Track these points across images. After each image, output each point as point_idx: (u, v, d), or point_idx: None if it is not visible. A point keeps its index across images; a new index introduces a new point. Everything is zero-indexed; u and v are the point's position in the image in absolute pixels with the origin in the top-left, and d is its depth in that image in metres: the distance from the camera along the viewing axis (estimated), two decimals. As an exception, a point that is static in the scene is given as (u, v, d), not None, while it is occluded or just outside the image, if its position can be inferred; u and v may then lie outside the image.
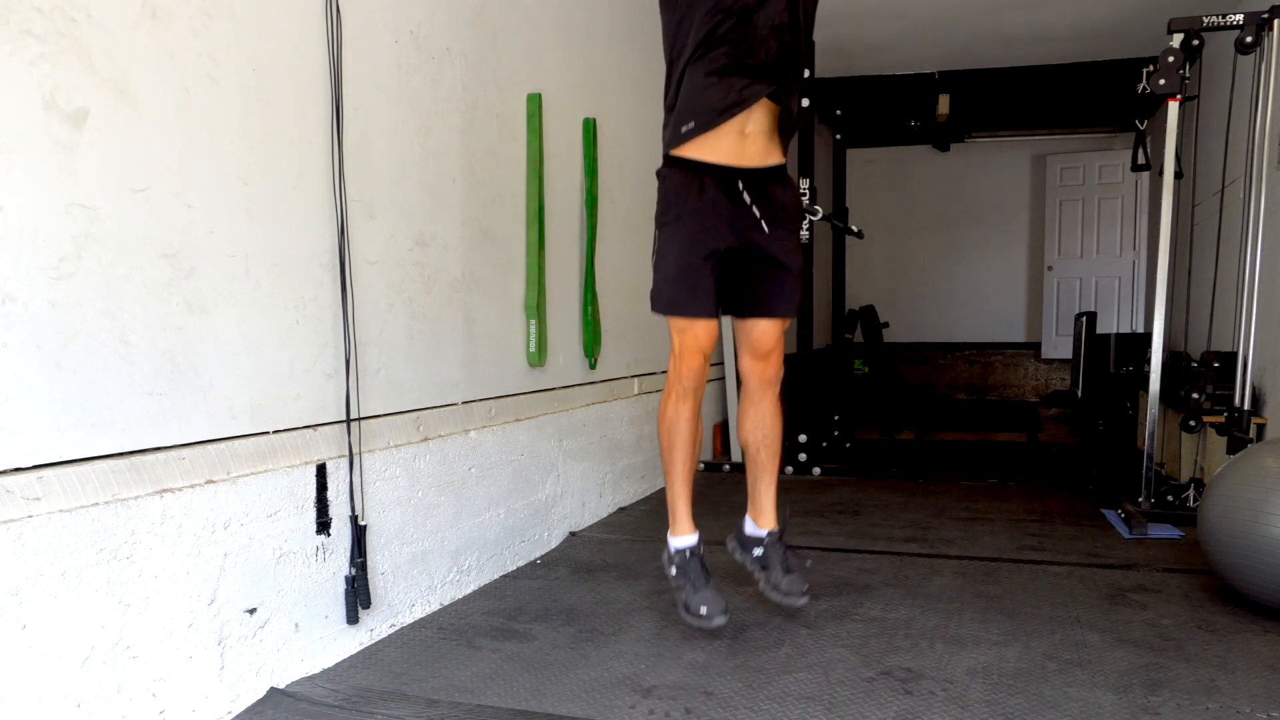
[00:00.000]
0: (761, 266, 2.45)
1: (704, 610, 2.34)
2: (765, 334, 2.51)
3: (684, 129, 2.34)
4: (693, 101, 2.34)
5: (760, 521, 2.60)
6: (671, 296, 2.38)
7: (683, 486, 2.50)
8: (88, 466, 1.73)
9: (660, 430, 2.52)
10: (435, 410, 2.80)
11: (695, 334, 2.39)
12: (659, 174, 2.47)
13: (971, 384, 9.16)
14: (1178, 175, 3.93)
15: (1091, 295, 8.49)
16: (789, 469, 5.11)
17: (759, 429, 2.60)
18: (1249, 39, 3.63)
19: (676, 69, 2.37)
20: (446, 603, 2.81)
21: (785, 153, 2.48)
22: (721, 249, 2.38)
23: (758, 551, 2.54)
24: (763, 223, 2.40)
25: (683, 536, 2.48)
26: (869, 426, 7.17)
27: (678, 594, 2.43)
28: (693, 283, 2.35)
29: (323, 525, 2.29)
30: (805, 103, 5.23)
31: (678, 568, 2.45)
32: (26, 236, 1.63)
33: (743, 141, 2.35)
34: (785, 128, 2.41)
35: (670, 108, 2.40)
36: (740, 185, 2.38)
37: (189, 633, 1.92)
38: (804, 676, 2.22)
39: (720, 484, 4.82)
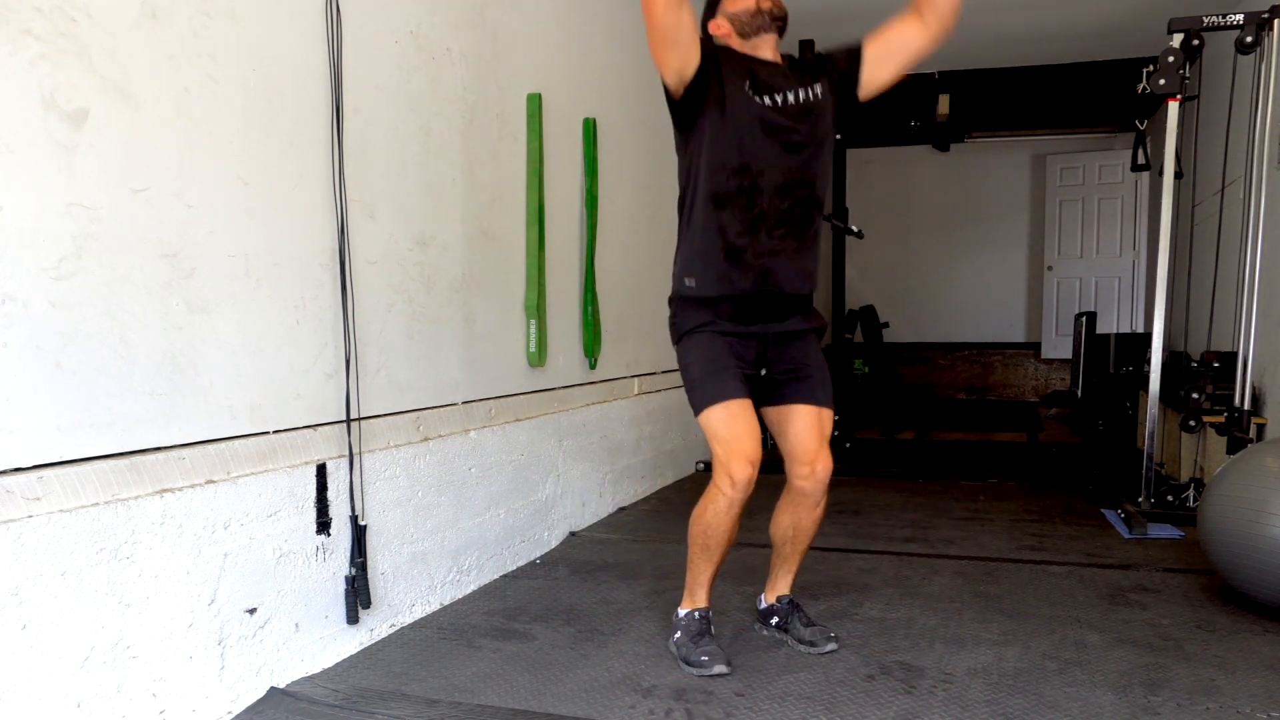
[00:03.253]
0: (786, 376, 2.34)
1: (704, 658, 2.25)
2: (808, 428, 2.31)
3: (688, 282, 2.27)
4: (696, 264, 2.26)
5: (770, 597, 2.53)
6: (705, 389, 2.23)
7: (709, 577, 2.35)
8: (88, 466, 1.73)
9: (696, 529, 2.30)
10: (435, 410, 2.80)
11: (742, 444, 2.20)
12: (670, 302, 2.36)
13: (971, 384, 9.15)
14: (1178, 175, 3.93)
15: (1091, 295, 8.48)
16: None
17: (793, 528, 2.42)
18: (1249, 39, 3.63)
19: (684, 212, 2.30)
20: (446, 603, 2.81)
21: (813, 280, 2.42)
22: (748, 358, 2.29)
23: (775, 620, 2.50)
24: (789, 356, 2.33)
25: (697, 608, 2.37)
26: (869, 426, 7.17)
27: (679, 650, 2.32)
28: (721, 371, 2.23)
29: (323, 525, 2.29)
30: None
31: (683, 630, 2.34)
32: (26, 236, 1.63)
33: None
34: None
35: (678, 247, 2.32)
36: (764, 314, 2.30)
37: (189, 633, 1.92)
38: (804, 676, 2.22)
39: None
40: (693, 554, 2.32)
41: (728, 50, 2.27)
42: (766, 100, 2.19)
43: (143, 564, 1.82)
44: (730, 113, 2.18)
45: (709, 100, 2.19)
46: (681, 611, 2.38)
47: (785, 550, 2.46)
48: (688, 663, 2.27)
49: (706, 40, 2.27)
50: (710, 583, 2.37)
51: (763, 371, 2.32)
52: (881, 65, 2.30)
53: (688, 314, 2.29)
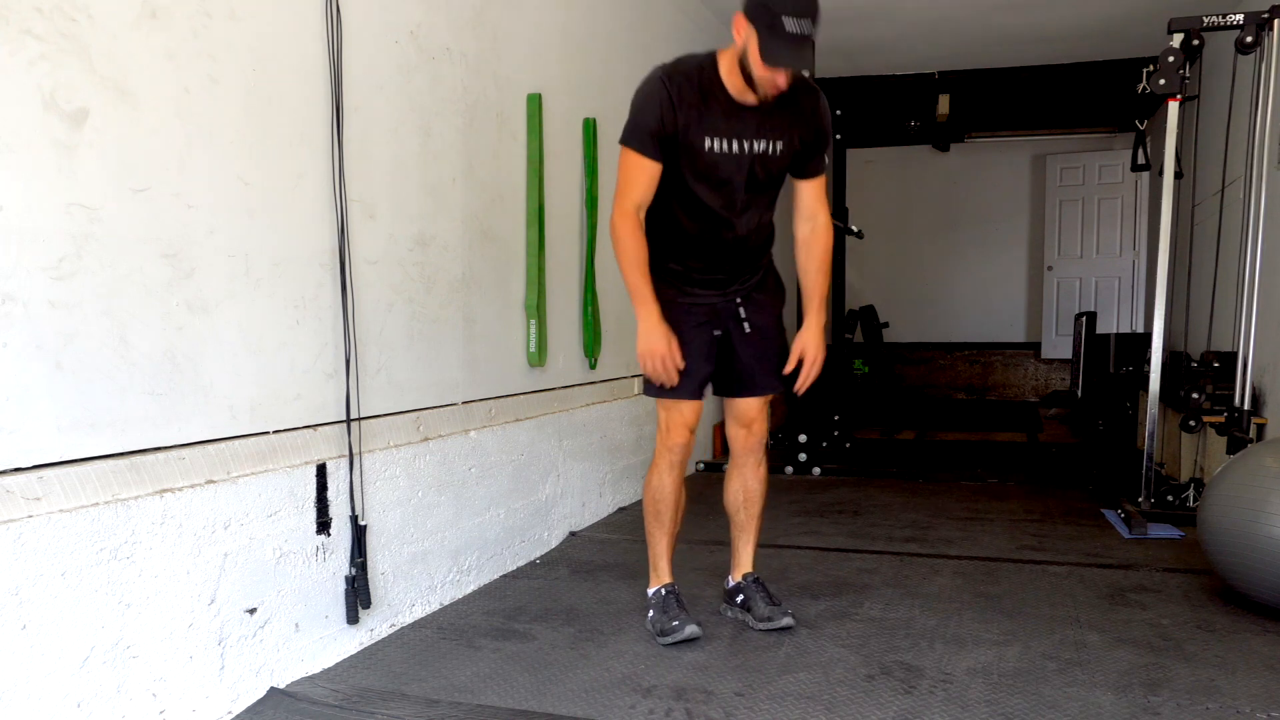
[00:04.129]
0: (744, 344, 2.49)
1: (675, 623, 2.42)
2: (749, 406, 2.56)
3: (667, 289, 2.43)
4: (663, 252, 2.42)
5: (737, 575, 2.66)
6: (643, 137, 2.33)
7: (666, 548, 2.58)
8: (88, 466, 1.73)
9: (646, 498, 2.58)
10: (435, 410, 2.80)
11: (681, 412, 2.46)
12: None
13: (971, 384, 9.15)
14: (1178, 175, 3.93)
15: (1091, 295, 8.48)
16: (789, 469, 5.11)
17: (741, 491, 2.62)
18: (1249, 39, 3.63)
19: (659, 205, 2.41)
20: (446, 603, 2.81)
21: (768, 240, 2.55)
22: (705, 340, 2.46)
23: (740, 598, 2.61)
24: (743, 308, 2.48)
25: (663, 585, 2.57)
26: (869, 426, 7.17)
27: (653, 625, 2.49)
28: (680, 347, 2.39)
29: (323, 525, 2.29)
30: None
31: (654, 607, 2.53)
32: (26, 236, 1.63)
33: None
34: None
35: (651, 224, 2.42)
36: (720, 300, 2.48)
37: (189, 633, 1.92)
38: (804, 676, 2.22)
39: (718, 484, 4.81)
40: (648, 525, 2.56)
41: (702, 92, 2.27)
42: (728, 147, 2.30)
43: (143, 564, 1.82)
44: (692, 168, 2.32)
45: (677, 157, 2.32)
46: (650, 590, 2.58)
47: (740, 518, 2.63)
48: (661, 634, 2.43)
49: (671, 93, 2.26)
50: (669, 555, 2.59)
51: (722, 330, 2.49)
52: (795, 197, 2.51)
53: (658, 274, 2.44)
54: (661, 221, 2.40)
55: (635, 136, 2.27)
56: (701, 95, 2.24)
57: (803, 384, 2.45)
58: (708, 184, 2.31)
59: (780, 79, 2.18)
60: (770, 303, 2.54)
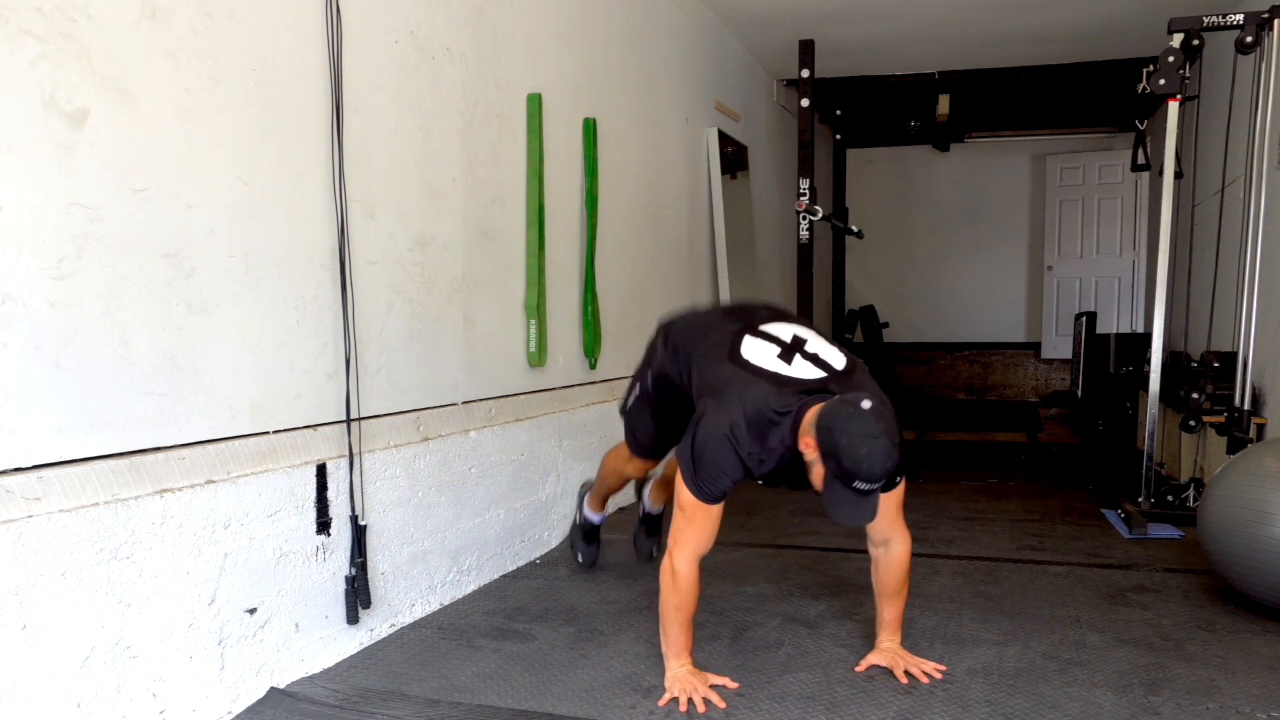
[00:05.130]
0: None
1: (580, 558, 3.09)
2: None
3: None
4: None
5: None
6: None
7: (608, 491, 3.03)
8: (88, 466, 1.73)
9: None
10: (435, 410, 2.80)
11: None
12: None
13: (971, 384, 9.15)
14: (1178, 175, 3.93)
15: (1091, 295, 8.48)
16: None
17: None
18: (1249, 39, 3.63)
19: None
20: (446, 603, 2.81)
21: None
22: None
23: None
24: None
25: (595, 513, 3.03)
26: (869, 426, 7.15)
27: (571, 536, 3.16)
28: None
29: (323, 525, 2.29)
30: (805, 103, 5.24)
31: (578, 524, 3.14)
32: (26, 236, 1.63)
33: None
34: None
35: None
36: None
37: (189, 633, 1.92)
38: (804, 676, 2.22)
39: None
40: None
41: (770, 456, 2.08)
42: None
43: (143, 564, 1.82)
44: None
45: None
46: (587, 510, 3.09)
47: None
48: (573, 546, 3.14)
49: (742, 458, 2.07)
50: (605, 497, 3.04)
51: None
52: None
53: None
54: None
55: (708, 494, 2.07)
56: (768, 459, 2.09)
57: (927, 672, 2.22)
58: None
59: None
60: None
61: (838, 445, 1.88)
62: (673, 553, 2.11)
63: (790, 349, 2.15)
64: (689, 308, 2.63)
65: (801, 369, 2.11)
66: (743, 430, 2.02)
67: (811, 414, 1.99)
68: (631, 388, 2.67)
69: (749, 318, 2.29)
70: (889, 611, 2.28)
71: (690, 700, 2.05)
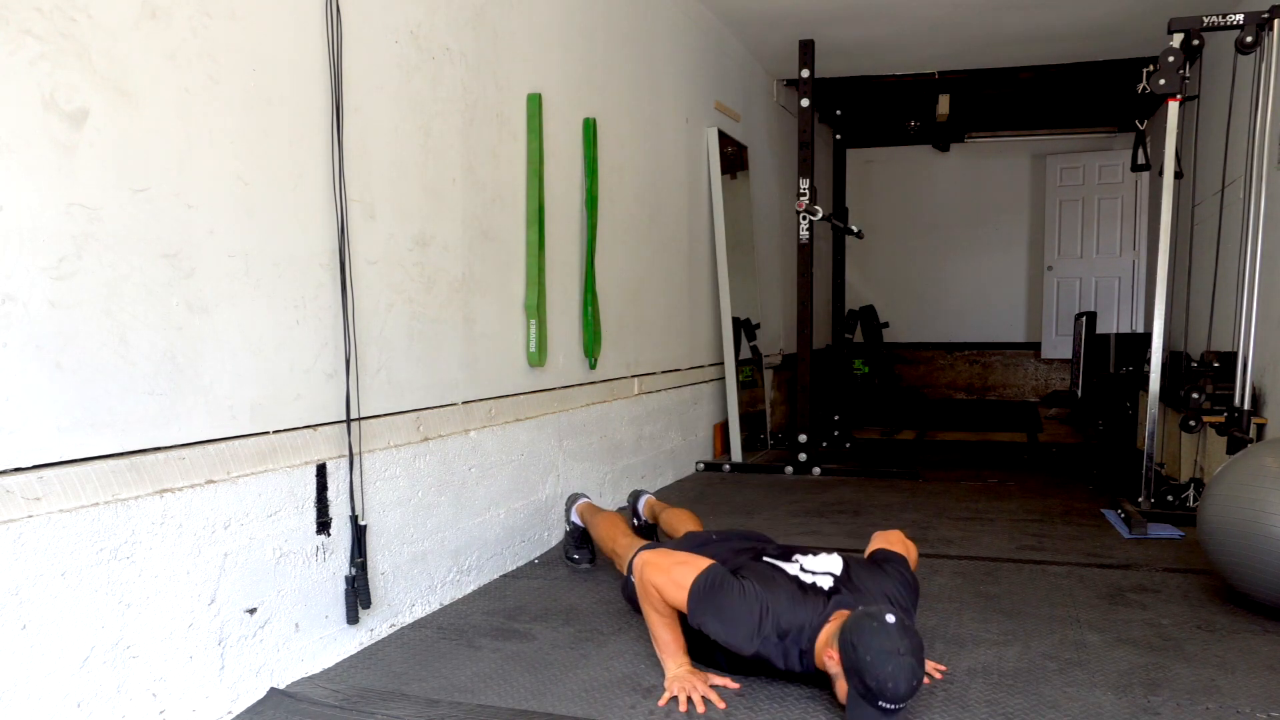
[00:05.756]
0: None
1: (575, 557, 3.12)
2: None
3: None
4: None
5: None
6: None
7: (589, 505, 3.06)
8: (88, 466, 1.73)
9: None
10: (435, 410, 2.80)
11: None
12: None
13: (971, 384, 9.16)
14: (1178, 175, 3.93)
15: (1091, 295, 8.49)
16: (789, 469, 5.11)
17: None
18: (1249, 39, 3.63)
19: None
20: (446, 603, 2.81)
21: None
22: None
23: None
24: None
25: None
26: (869, 426, 7.18)
27: (564, 542, 3.18)
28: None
29: (323, 525, 2.29)
30: (805, 103, 5.24)
31: (569, 531, 3.18)
32: (26, 236, 1.63)
33: None
34: None
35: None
36: None
37: (189, 633, 1.92)
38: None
39: (720, 484, 4.82)
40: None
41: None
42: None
43: (143, 564, 1.82)
44: None
45: None
46: (575, 517, 3.14)
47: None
48: (566, 552, 3.16)
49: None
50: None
51: None
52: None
53: None
54: None
55: (699, 593, 2.11)
56: (773, 651, 2.08)
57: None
58: None
59: None
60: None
61: (861, 663, 1.83)
62: (644, 574, 2.19)
63: (798, 568, 2.26)
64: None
65: (814, 576, 2.21)
66: (770, 621, 2.05)
67: (833, 626, 1.98)
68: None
69: (754, 546, 2.47)
70: None
71: (690, 700, 2.05)
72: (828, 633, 1.98)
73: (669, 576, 2.15)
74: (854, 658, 1.84)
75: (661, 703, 2.06)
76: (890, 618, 1.87)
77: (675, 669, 2.15)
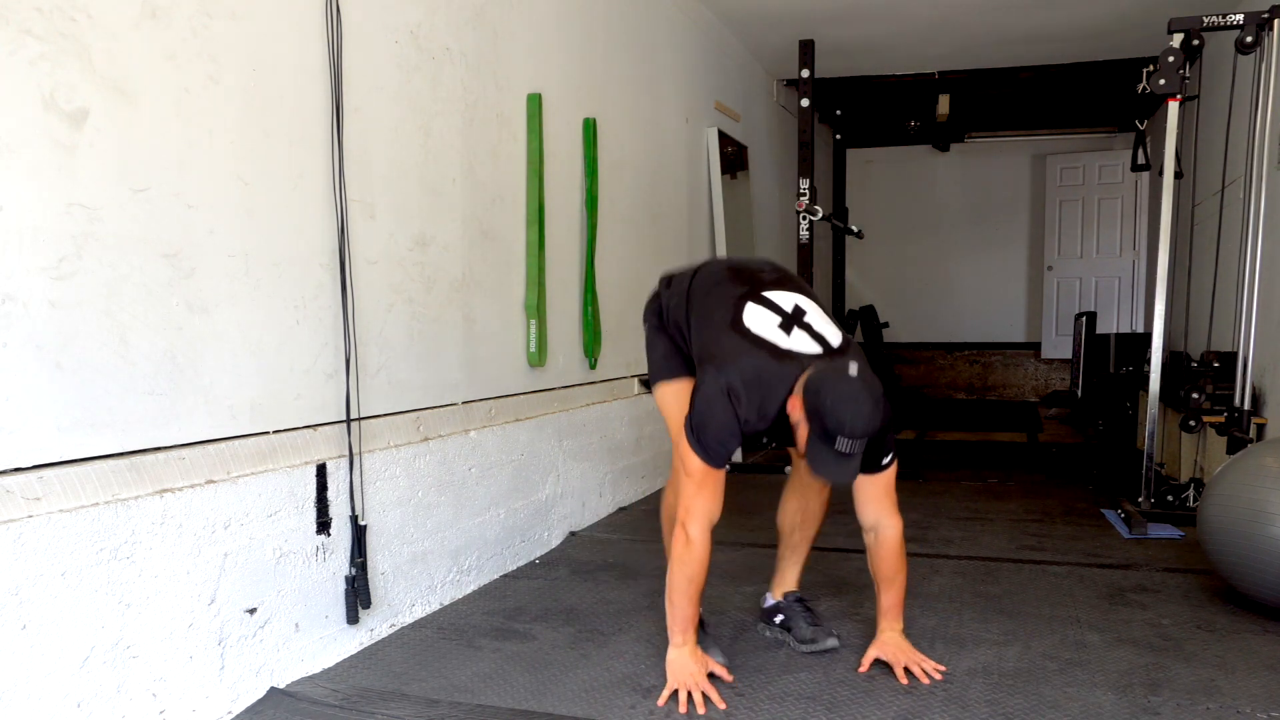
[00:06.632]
0: None
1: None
2: (872, 489, 2.31)
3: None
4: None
5: (778, 593, 2.52)
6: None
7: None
8: (88, 466, 1.73)
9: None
10: (435, 410, 2.80)
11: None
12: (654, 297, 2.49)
13: (971, 384, 9.15)
14: (1178, 175, 3.93)
15: (1091, 295, 8.49)
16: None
17: (800, 512, 2.45)
18: (1249, 39, 3.63)
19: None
20: (446, 603, 2.81)
21: None
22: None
23: (779, 618, 2.48)
24: None
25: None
26: (869, 426, 7.15)
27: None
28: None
29: (323, 525, 2.29)
30: (805, 103, 5.24)
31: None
32: (26, 236, 1.63)
33: None
34: None
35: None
36: None
37: (189, 633, 1.92)
38: (804, 676, 2.22)
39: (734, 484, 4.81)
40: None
41: (763, 417, 2.10)
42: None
43: (143, 564, 1.82)
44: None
45: None
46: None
47: (794, 539, 2.49)
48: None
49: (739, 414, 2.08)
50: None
51: None
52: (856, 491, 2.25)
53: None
54: None
55: (716, 458, 2.09)
56: (761, 424, 2.11)
57: (927, 672, 2.20)
58: None
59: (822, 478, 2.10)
60: None
61: (822, 405, 1.94)
62: (685, 523, 2.11)
63: (790, 320, 2.15)
64: (691, 263, 2.51)
65: (799, 342, 2.12)
66: (740, 393, 2.05)
67: (802, 378, 2.03)
68: (650, 344, 2.53)
69: (753, 281, 2.26)
70: (887, 598, 2.28)
71: (692, 700, 2.05)
72: (796, 387, 2.04)
73: (684, 490, 2.14)
74: (815, 402, 1.95)
75: (661, 702, 2.06)
76: (853, 369, 1.98)
77: (680, 647, 2.13)
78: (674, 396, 2.32)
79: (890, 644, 2.26)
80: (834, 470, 1.98)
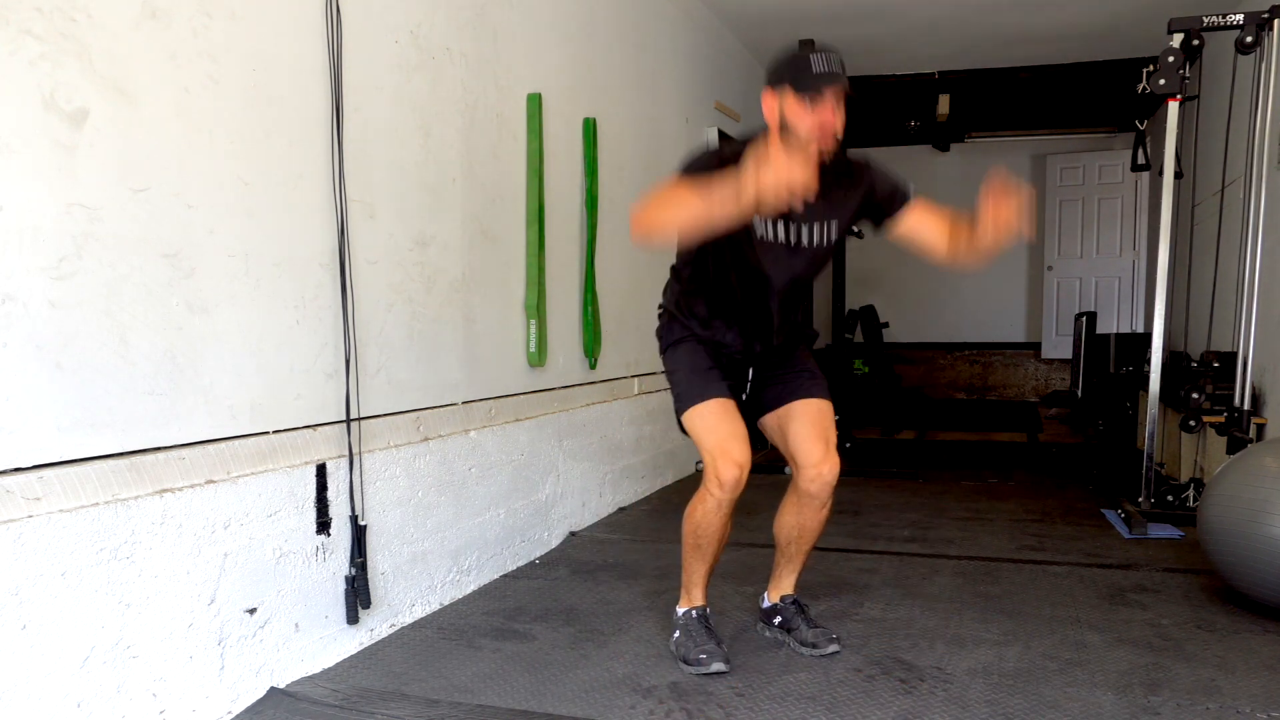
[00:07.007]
0: (777, 378, 2.40)
1: (702, 656, 2.24)
2: (810, 426, 2.32)
3: (697, 311, 2.33)
4: (695, 317, 2.32)
5: (774, 595, 2.53)
6: (690, 391, 2.26)
7: (704, 575, 2.36)
8: (88, 466, 1.73)
9: (687, 529, 2.31)
10: (435, 410, 2.80)
11: (727, 446, 2.20)
12: (663, 316, 2.43)
13: (971, 384, 9.15)
14: (1178, 175, 3.93)
15: (1091, 295, 8.48)
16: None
17: (798, 528, 2.41)
18: (1249, 39, 3.63)
19: (692, 260, 2.32)
20: (446, 603, 2.81)
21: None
22: (730, 382, 2.34)
23: (778, 620, 2.48)
24: (774, 369, 2.39)
25: (694, 607, 2.37)
26: (869, 426, 7.17)
27: (678, 650, 2.32)
28: (705, 372, 2.28)
29: (323, 525, 2.29)
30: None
31: (681, 629, 2.35)
32: (26, 236, 1.63)
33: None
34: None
35: (684, 283, 2.35)
36: (750, 361, 2.37)
37: (189, 633, 1.92)
38: (804, 676, 2.22)
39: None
40: (685, 553, 2.35)
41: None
42: (776, 234, 2.20)
43: (143, 564, 1.82)
44: (737, 243, 2.18)
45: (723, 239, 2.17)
46: (680, 610, 2.39)
47: (790, 550, 2.47)
48: (686, 661, 2.27)
49: (725, 156, 2.13)
50: (705, 581, 2.37)
51: (749, 376, 2.38)
52: (908, 232, 2.28)
53: (675, 326, 2.37)
54: (698, 288, 2.33)
55: (689, 167, 2.13)
56: (735, 155, 2.13)
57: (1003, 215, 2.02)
58: (749, 267, 2.22)
59: (827, 114, 2.06)
60: (803, 354, 2.45)
61: (784, 61, 2.11)
62: (638, 205, 2.05)
63: None
64: None
65: None
66: (718, 149, 2.22)
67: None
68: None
69: None
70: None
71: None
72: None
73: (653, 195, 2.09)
74: (777, 68, 2.12)
75: (757, 183, 1.82)
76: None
77: (741, 177, 1.87)
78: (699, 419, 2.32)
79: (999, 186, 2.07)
80: (828, 78, 2.04)
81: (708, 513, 2.25)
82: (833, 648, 2.37)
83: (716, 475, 2.20)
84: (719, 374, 2.31)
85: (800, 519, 2.39)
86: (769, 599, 2.54)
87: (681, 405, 2.30)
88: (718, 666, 2.22)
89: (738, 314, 2.30)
